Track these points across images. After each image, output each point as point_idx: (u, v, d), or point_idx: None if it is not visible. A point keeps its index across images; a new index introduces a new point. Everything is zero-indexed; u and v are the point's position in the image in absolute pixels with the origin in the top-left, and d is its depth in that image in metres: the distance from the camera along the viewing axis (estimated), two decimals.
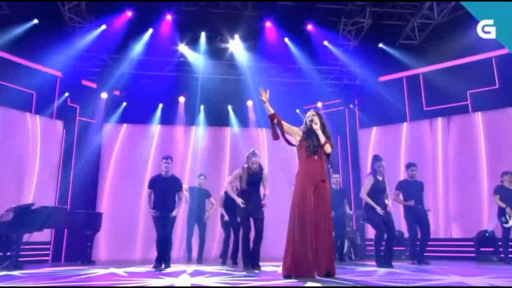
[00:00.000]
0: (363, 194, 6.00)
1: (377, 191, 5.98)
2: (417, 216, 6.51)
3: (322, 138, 4.04)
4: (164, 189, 5.86)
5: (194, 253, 7.56)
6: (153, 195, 5.92)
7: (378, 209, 5.81)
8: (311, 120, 4.11)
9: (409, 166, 6.79)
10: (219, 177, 9.85)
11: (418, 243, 6.54)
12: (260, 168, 5.62)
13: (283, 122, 4.16)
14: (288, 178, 6.98)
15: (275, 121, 4.14)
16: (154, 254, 6.01)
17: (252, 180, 5.57)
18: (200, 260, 7.31)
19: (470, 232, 8.05)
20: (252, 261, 5.31)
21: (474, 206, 8.27)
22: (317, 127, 4.07)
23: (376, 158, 6.09)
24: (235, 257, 6.51)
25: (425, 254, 6.50)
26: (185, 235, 7.72)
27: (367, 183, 6.03)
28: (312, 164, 3.99)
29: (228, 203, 6.75)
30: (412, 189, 6.60)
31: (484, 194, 8.13)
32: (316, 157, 4.00)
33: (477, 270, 5.07)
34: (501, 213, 6.65)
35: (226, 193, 6.82)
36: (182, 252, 8.65)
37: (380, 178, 6.05)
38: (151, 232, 5.94)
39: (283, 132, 4.14)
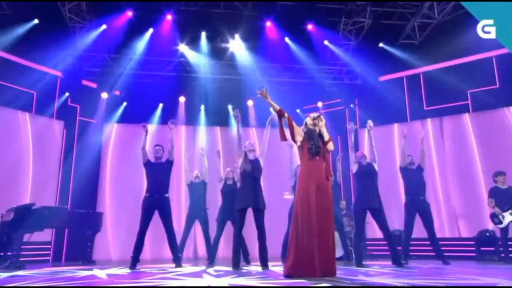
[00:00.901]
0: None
1: (364, 175, 5.75)
2: (419, 208, 6.26)
3: (327, 136, 4.12)
4: (157, 173, 5.89)
5: (188, 254, 7.27)
6: (146, 178, 5.96)
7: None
8: (317, 118, 4.18)
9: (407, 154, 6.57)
10: (219, 176, 9.82)
11: (429, 242, 6.36)
12: (256, 159, 5.50)
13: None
14: (287, 178, 6.95)
15: (286, 115, 4.19)
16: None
17: (250, 169, 5.38)
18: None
19: (471, 232, 8.05)
20: (261, 260, 5.25)
21: (475, 205, 8.27)
22: (322, 123, 4.17)
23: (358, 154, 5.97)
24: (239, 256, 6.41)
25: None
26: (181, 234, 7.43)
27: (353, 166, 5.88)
28: (315, 165, 4.02)
29: (227, 193, 6.49)
30: (411, 176, 6.41)
31: (485, 193, 8.12)
32: (318, 157, 4.04)
33: (481, 270, 5.06)
34: (494, 214, 6.65)
35: (225, 180, 6.63)
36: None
37: (365, 163, 5.83)
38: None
39: (292, 129, 4.16)
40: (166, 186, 5.94)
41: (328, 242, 3.83)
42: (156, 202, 5.78)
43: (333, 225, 3.96)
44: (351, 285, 3.23)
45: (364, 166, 5.84)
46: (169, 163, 6.07)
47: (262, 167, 5.51)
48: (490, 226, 7.61)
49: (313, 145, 4.06)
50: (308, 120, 4.26)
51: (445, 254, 6.25)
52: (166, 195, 5.91)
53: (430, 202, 6.58)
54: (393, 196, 8.33)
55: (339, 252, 7.07)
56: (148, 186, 5.89)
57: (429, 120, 9.19)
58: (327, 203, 3.94)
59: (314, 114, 4.26)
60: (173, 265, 5.80)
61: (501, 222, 6.56)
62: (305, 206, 3.84)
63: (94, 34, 8.68)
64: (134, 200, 9.41)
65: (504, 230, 6.57)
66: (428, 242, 6.46)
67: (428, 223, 6.25)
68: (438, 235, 8.30)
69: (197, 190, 7.28)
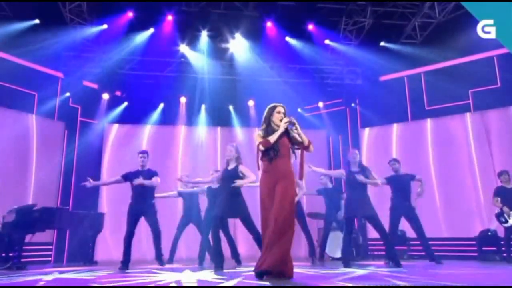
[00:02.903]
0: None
1: (352, 183, 5.81)
2: (405, 213, 6.31)
3: (306, 139, 3.92)
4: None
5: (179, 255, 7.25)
6: (130, 189, 5.98)
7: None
8: (293, 124, 3.89)
9: (389, 161, 6.67)
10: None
11: (418, 242, 6.42)
12: (236, 166, 5.37)
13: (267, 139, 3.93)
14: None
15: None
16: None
17: (226, 175, 5.35)
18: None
19: (472, 231, 8.04)
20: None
21: (475, 205, 8.25)
22: (299, 132, 3.92)
23: (350, 152, 6.07)
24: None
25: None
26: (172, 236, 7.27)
27: (337, 171, 6.18)
28: (275, 166, 3.86)
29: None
30: (398, 183, 6.43)
31: (484, 192, 8.11)
32: (279, 159, 3.85)
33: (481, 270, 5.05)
34: (500, 213, 6.63)
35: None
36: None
37: (356, 169, 5.84)
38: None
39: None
40: (150, 193, 5.99)
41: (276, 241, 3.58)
42: (140, 210, 5.90)
43: (289, 221, 3.65)
44: (351, 285, 3.22)
45: (356, 173, 5.90)
46: (152, 173, 6.04)
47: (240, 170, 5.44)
48: (492, 225, 7.60)
49: (271, 150, 3.85)
50: (275, 120, 3.97)
51: (447, 254, 6.25)
52: (151, 201, 5.99)
53: (426, 203, 6.55)
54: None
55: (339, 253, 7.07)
56: (132, 194, 5.96)
57: (429, 120, 9.18)
58: (284, 196, 3.69)
59: (291, 120, 3.89)
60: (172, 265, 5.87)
61: (506, 222, 6.53)
62: (263, 208, 3.83)
63: (95, 34, 8.69)
64: None
65: (509, 230, 6.55)
66: (431, 242, 6.45)
67: (416, 226, 6.30)
68: (439, 235, 8.35)
69: (187, 194, 7.28)
